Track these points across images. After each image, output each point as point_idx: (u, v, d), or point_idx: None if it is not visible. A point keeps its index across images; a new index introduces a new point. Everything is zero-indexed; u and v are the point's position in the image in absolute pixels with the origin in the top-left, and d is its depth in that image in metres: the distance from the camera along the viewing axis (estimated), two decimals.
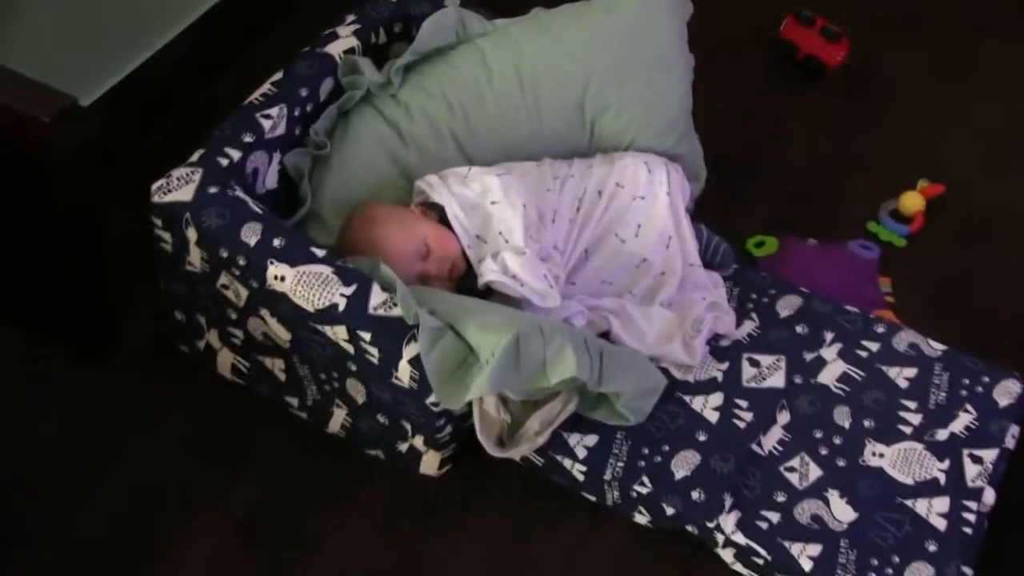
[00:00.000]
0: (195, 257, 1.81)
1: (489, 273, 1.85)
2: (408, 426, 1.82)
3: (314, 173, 1.98)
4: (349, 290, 1.73)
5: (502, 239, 1.89)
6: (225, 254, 1.76)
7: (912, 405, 1.92)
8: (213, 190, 1.79)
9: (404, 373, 1.72)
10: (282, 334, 1.82)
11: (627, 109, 2.05)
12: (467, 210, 1.91)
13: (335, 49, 2.01)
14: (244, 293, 1.80)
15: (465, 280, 1.90)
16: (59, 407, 1.94)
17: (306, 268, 1.74)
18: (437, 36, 2.04)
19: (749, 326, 2.02)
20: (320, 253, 1.76)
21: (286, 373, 1.88)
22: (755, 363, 1.97)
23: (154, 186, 1.79)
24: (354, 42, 2.03)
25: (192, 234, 1.78)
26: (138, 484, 1.87)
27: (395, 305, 1.73)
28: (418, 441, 1.83)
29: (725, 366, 1.96)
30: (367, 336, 1.71)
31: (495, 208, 1.91)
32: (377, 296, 1.73)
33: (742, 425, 1.89)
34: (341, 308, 1.72)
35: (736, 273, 2.09)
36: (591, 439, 1.86)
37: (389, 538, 1.84)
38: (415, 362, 1.70)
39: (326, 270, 1.74)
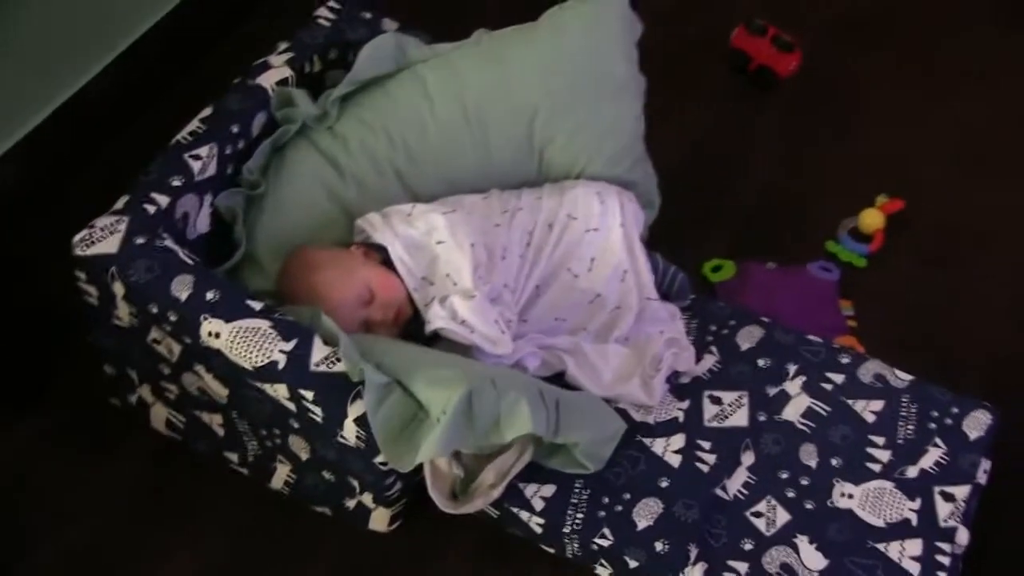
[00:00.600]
0: (123, 311, 1.69)
1: (438, 320, 1.75)
2: (356, 483, 1.72)
3: (249, 214, 1.87)
4: (289, 346, 1.62)
5: (450, 281, 1.79)
6: (155, 309, 1.65)
7: (880, 441, 1.84)
8: (140, 241, 1.68)
9: (350, 432, 1.62)
10: (219, 390, 1.71)
11: (577, 136, 1.95)
12: (412, 251, 1.81)
13: (267, 80, 1.90)
14: (177, 348, 1.69)
15: (412, 324, 1.80)
16: None
17: (242, 323, 1.63)
18: (375, 64, 1.93)
19: (710, 360, 1.93)
20: (256, 307, 1.65)
21: (224, 428, 1.78)
22: (717, 401, 1.89)
23: (76, 238, 1.67)
24: (287, 72, 1.92)
25: (119, 288, 1.66)
26: (66, 552, 1.76)
27: (338, 360, 1.62)
28: (367, 498, 1.74)
29: (686, 405, 1.88)
30: (309, 395, 1.61)
31: (441, 248, 1.81)
32: (319, 351, 1.63)
33: (705, 469, 1.80)
34: (281, 365, 1.61)
35: (694, 303, 2.01)
36: (548, 489, 1.77)
37: None
38: (361, 421, 1.60)
39: (264, 324, 1.63)
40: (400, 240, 1.81)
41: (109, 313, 1.71)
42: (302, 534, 1.80)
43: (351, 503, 1.76)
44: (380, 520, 1.77)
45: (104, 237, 1.68)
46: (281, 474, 1.79)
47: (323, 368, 1.62)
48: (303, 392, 1.61)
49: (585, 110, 1.95)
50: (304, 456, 1.73)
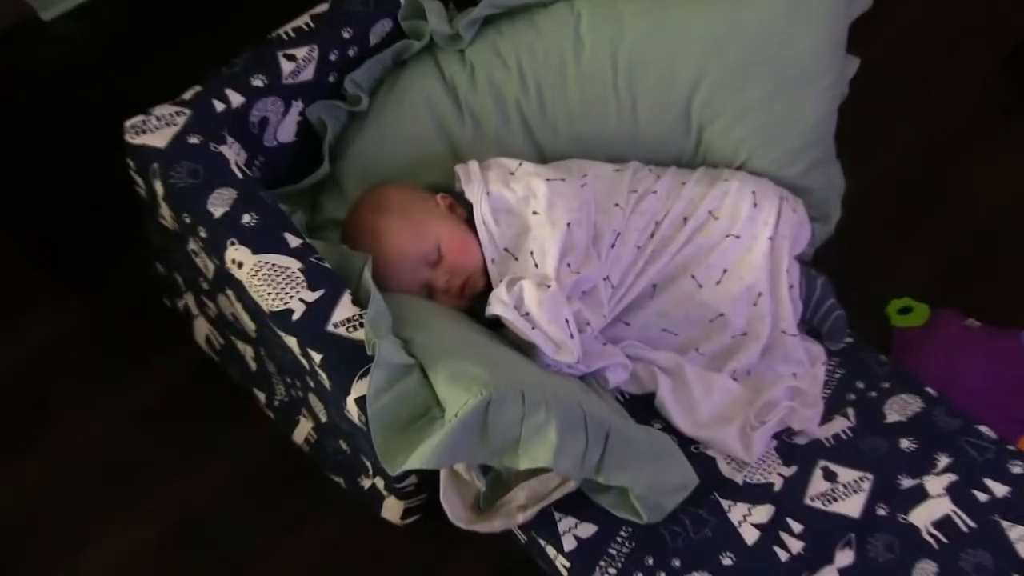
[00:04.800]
0: (166, 213, 1.52)
1: (497, 305, 1.47)
2: (368, 464, 1.50)
3: (346, 132, 1.65)
4: (312, 296, 1.40)
5: (532, 261, 1.51)
6: (188, 219, 1.47)
7: None
8: (193, 140, 1.49)
9: (352, 411, 1.39)
10: (248, 323, 1.52)
11: (743, 122, 1.61)
12: (500, 216, 1.54)
13: None
14: (211, 267, 1.51)
15: (480, 300, 1.54)
16: (29, 338, 1.73)
17: (269, 258, 1.42)
18: None
19: (840, 424, 1.57)
20: (294, 243, 1.44)
21: (256, 363, 1.59)
22: (831, 476, 1.53)
23: (128, 123, 1.50)
24: None
25: (159, 188, 1.49)
26: (70, 449, 1.67)
27: (361, 325, 1.39)
28: (379, 483, 1.52)
29: (791, 471, 1.53)
30: (317, 357, 1.38)
31: (535, 220, 1.53)
32: (343, 310, 1.39)
33: (785, 556, 1.46)
34: (296, 316, 1.39)
35: (847, 350, 1.64)
36: (587, 529, 1.48)
37: None
38: (363, 402, 1.37)
39: (293, 265, 1.42)
40: (489, 200, 1.54)
41: (155, 210, 1.55)
42: (308, 502, 1.63)
43: (365, 483, 1.54)
44: (392, 511, 1.55)
45: (158, 128, 1.50)
46: (304, 429, 1.59)
47: (341, 331, 1.39)
48: (312, 352, 1.39)
49: (758, 93, 1.59)
50: (322, 418, 1.52)
